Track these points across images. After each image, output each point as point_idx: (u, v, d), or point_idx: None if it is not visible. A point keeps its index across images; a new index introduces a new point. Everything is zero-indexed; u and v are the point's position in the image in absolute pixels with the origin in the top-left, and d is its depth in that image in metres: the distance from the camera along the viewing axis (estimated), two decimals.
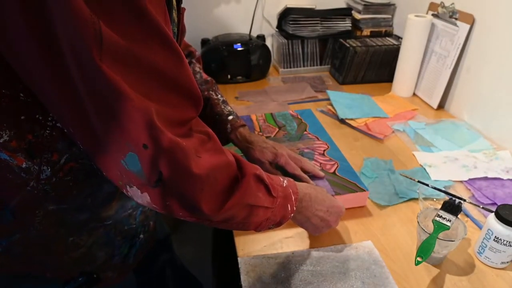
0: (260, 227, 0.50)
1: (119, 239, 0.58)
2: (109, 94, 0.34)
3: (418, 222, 0.58)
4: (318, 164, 0.77)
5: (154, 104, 0.36)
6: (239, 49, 1.22)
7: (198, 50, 1.27)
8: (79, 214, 0.49)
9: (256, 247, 0.63)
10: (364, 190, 0.70)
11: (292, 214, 0.53)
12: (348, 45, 1.21)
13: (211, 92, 0.78)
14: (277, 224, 0.52)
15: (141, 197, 0.40)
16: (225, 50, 1.22)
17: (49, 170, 0.43)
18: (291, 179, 0.55)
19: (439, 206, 0.61)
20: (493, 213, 0.58)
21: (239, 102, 1.14)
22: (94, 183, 0.48)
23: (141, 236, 0.63)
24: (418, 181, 0.74)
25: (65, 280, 0.54)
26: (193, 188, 0.40)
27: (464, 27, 0.98)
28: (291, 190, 0.52)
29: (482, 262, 0.60)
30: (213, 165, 0.42)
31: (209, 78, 0.80)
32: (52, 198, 0.46)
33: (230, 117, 0.75)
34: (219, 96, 0.78)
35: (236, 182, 0.46)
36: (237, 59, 1.23)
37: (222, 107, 0.76)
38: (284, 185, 0.52)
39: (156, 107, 0.36)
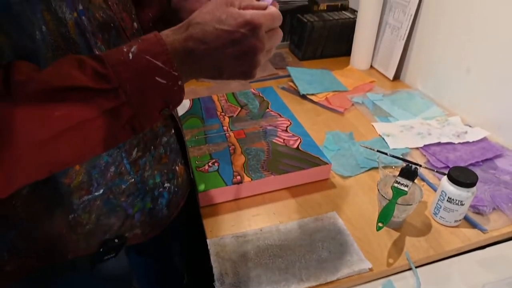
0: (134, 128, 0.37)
1: (123, 200, 0.51)
2: None
3: (378, 190, 0.61)
4: (282, 141, 0.78)
5: None
6: None
7: None
8: (47, 187, 0.44)
9: (225, 227, 0.63)
10: (327, 163, 0.72)
11: (180, 80, 0.38)
12: (305, 20, 1.20)
13: None
14: (169, 104, 0.39)
15: None
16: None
17: None
18: (150, 35, 0.38)
19: (398, 173, 0.64)
20: (446, 176, 0.61)
21: (199, 83, 1.11)
22: None
23: (167, 185, 0.56)
24: (378, 151, 0.77)
25: (89, 254, 0.50)
26: None
27: None
28: (149, 56, 0.36)
29: (438, 222, 0.64)
30: None
31: None
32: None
33: None
34: None
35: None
36: None
37: None
38: (131, 57, 0.36)
39: None
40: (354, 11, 1.28)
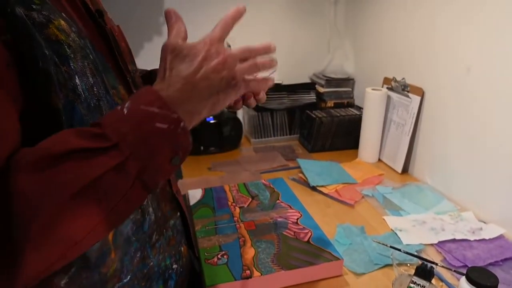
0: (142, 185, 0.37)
1: (143, 284, 0.53)
2: None
3: None
4: (292, 233, 0.77)
5: None
6: (211, 121, 1.27)
7: None
8: (86, 278, 0.45)
9: None
10: (339, 259, 0.70)
11: (181, 121, 0.38)
12: (314, 116, 1.29)
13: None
14: (177, 150, 0.39)
15: None
16: (198, 123, 1.26)
17: None
18: (141, 89, 0.40)
19: (413, 271, 0.61)
20: (464, 277, 0.58)
21: (212, 172, 1.15)
22: None
23: (175, 266, 0.59)
24: (391, 247, 0.75)
25: None
26: None
27: (415, 98, 1.08)
28: (143, 105, 0.38)
29: None
30: None
31: None
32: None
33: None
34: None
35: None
36: (209, 131, 1.27)
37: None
38: (126, 112, 0.37)
39: None
40: (359, 108, 1.36)
